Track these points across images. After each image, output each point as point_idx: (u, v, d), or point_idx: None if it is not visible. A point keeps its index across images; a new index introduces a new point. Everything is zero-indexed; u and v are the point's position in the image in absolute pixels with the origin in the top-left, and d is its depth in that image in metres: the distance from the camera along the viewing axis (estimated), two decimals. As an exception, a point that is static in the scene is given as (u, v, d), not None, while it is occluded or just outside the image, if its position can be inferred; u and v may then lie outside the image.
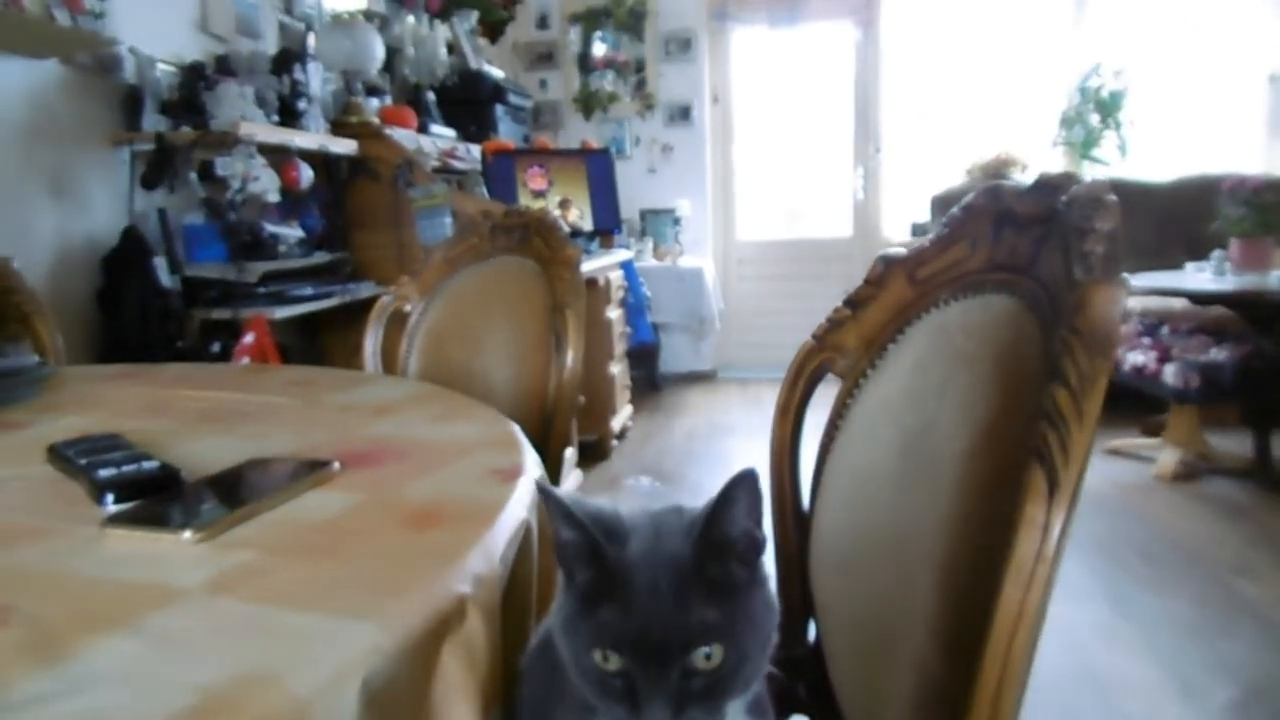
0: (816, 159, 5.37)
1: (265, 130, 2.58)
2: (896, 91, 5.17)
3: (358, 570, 0.62)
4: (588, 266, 3.36)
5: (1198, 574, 2.42)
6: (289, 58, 2.95)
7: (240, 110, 2.50)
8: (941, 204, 4.53)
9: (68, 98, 2.35)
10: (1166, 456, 3.25)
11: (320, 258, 2.96)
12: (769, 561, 0.59)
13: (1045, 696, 1.81)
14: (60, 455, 0.84)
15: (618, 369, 3.85)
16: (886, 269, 0.84)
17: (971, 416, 0.64)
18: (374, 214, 3.17)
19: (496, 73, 4.47)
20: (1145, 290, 3.35)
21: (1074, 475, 0.51)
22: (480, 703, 0.57)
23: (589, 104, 5.33)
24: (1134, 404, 3.36)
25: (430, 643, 0.54)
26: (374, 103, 3.39)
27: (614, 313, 3.84)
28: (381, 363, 1.59)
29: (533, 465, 0.85)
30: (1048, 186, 0.63)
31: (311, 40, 3.18)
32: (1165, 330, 3.48)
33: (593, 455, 3.64)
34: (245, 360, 2.31)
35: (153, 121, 2.47)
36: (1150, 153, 4.67)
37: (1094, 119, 4.63)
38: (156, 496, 0.75)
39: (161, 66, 2.54)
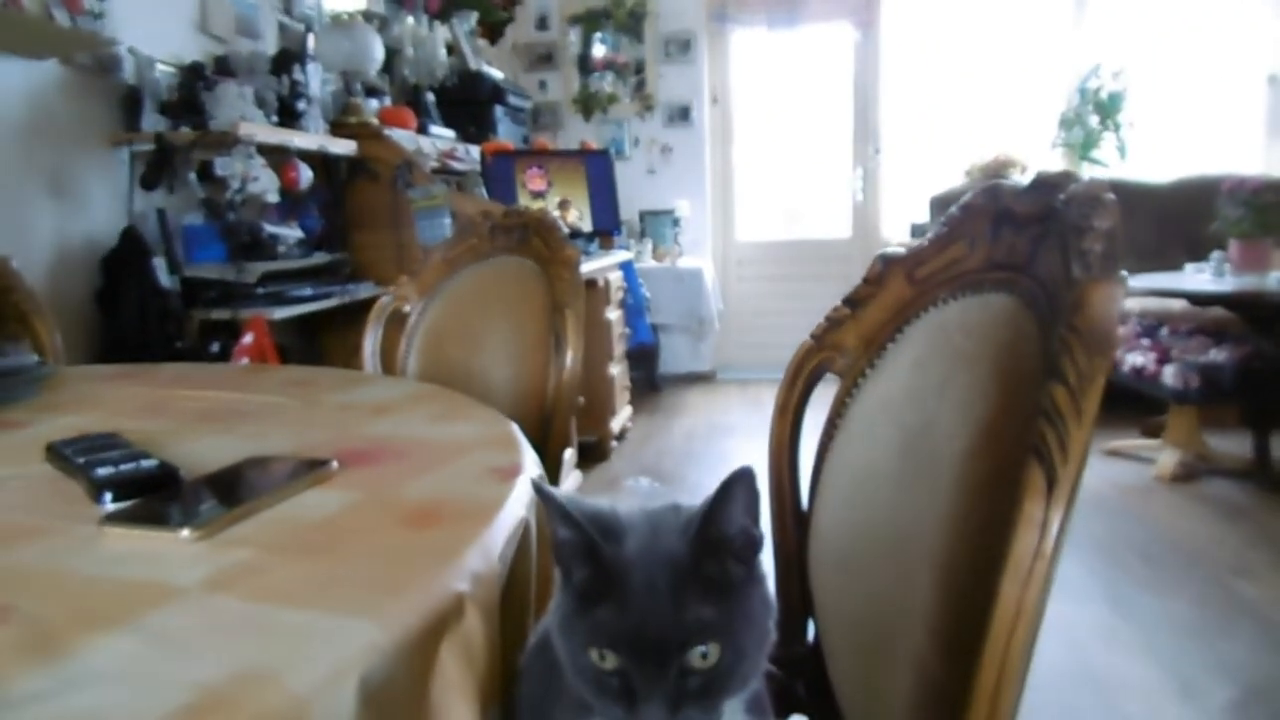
0: (816, 160, 5.38)
1: (265, 131, 2.59)
2: (895, 93, 5.17)
3: (356, 569, 0.62)
4: (587, 267, 3.36)
5: (1197, 574, 2.42)
6: (288, 58, 2.96)
7: (240, 111, 2.50)
8: (940, 205, 4.53)
9: (67, 98, 2.35)
10: (1166, 457, 3.25)
11: (319, 258, 2.96)
12: (768, 560, 0.59)
13: (1045, 696, 1.81)
14: (59, 454, 0.84)
15: (617, 370, 3.86)
16: (885, 268, 0.84)
17: (970, 415, 0.64)
18: (373, 215, 3.17)
19: (496, 74, 4.48)
20: (1145, 291, 3.35)
21: (1072, 473, 0.51)
22: (479, 701, 0.57)
23: (588, 105, 5.34)
24: (1133, 405, 3.36)
25: (428, 641, 0.54)
26: (373, 103, 3.39)
27: (613, 314, 3.84)
28: (380, 363, 1.59)
29: (531, 464, 0.85)
30: (1046, 185, 0.63)
31: (311, 41, 3.18)
32: (1165, 331, 3.48)
33: (592, 456, 3.64)
34: (244, 360, 2.31)
35: (152, 122, 2.48)
36: (1150, 153, 4.67)
37: (1093, 120, 4.63)
38: (155, 495, 0.75)
39: (161, 67, 2.54)
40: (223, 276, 2.51)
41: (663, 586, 0.51)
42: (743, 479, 0.52)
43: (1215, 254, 3.42)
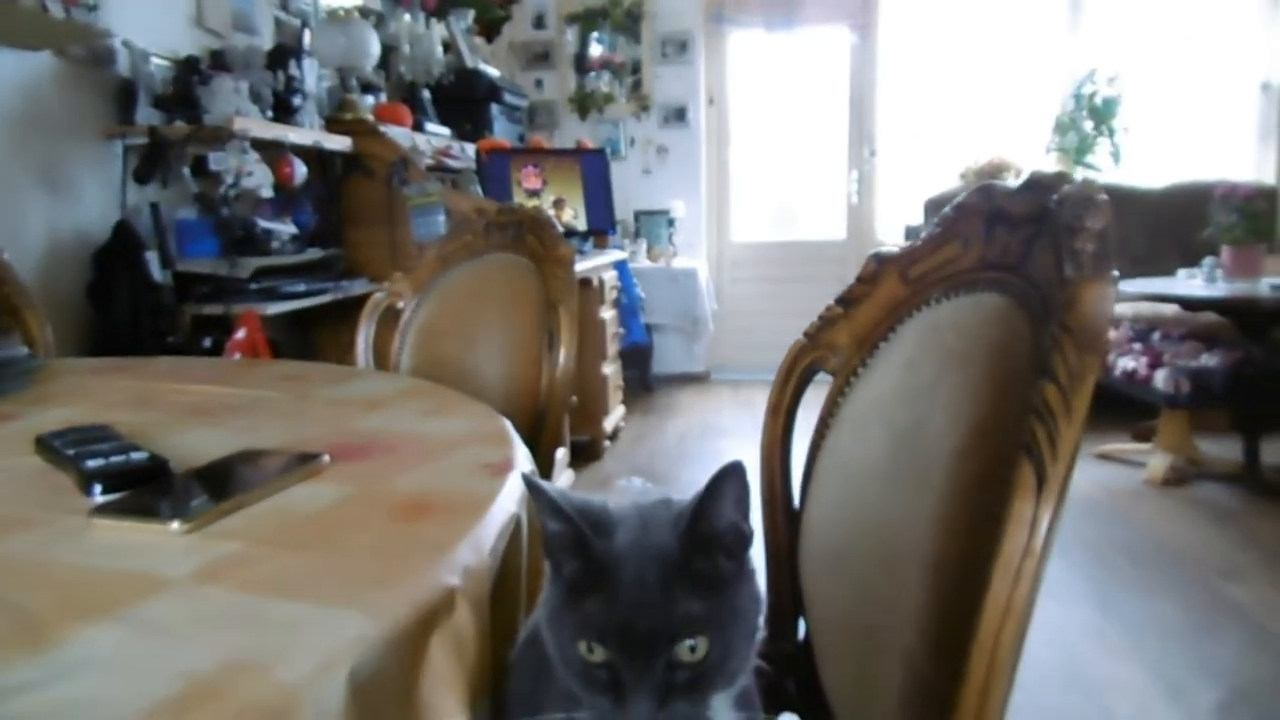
0: (811, 162, 5.38)
1: (259, 126, 2.58)
2: (891, 95, 5.18)
3: (346, 561, 0.62)
4: (581, 266, 3.36)
5: (1186, 577, 2.43)
6: (284, 53, 2.95)
7: (234, 105, 2.49)
8: (935, 208, 4.54)
9: (61, 90, 2.34)
10: (1157, 461, 3.26)
11: (313, 254, 2.95)
12: (759, 558, 0.59)
13: (1033, 697, 1.81)
14: (48, 446, 0.84)
15: (611, 369, 3.85)
16: (879, 267, 0.84)
17: (962, 415, 0.64)
18: (368, 211, 3.16)
19: (492, 72, 4.47)
20: (1137, 296, 3.36)
21: (1062, 471, 0.51)
22: (468, 694, 0.57)
23: (584, 104, 5.33)
24: (1125, 409, 3.37)
25: (418, 633, 0.54)
26: (369, 100, 3.39)
27: (607, 313, 3.84)
28: (374, 359, 1.59)
29: (523, 460, 0.85)
30: (1039, 186, 0.63)
31: (307, 36, 3.17)
32: (1156, 336, 3.50)
33: (585, 456, 3.64)
34: (236, 356, 2.31)
35: (146, 115, 2.47)
36: (1143, 159, 4.69)
37: (1088, 125, 4.65)
38: (145, 487, 0.74)
39: (155, 60, 2.53)
40: (216, 271, 2.50)
41: (652, 580, 0.51)
42: (733, 474, 0.52)
43: (1207, 259, 3.44)
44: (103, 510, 0.69)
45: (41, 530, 0.67)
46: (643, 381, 4.96)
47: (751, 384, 5.06)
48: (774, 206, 5.52)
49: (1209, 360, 3.14)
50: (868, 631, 0.71)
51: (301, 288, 2.69)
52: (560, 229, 1.54)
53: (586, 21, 5.27)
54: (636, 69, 5.29)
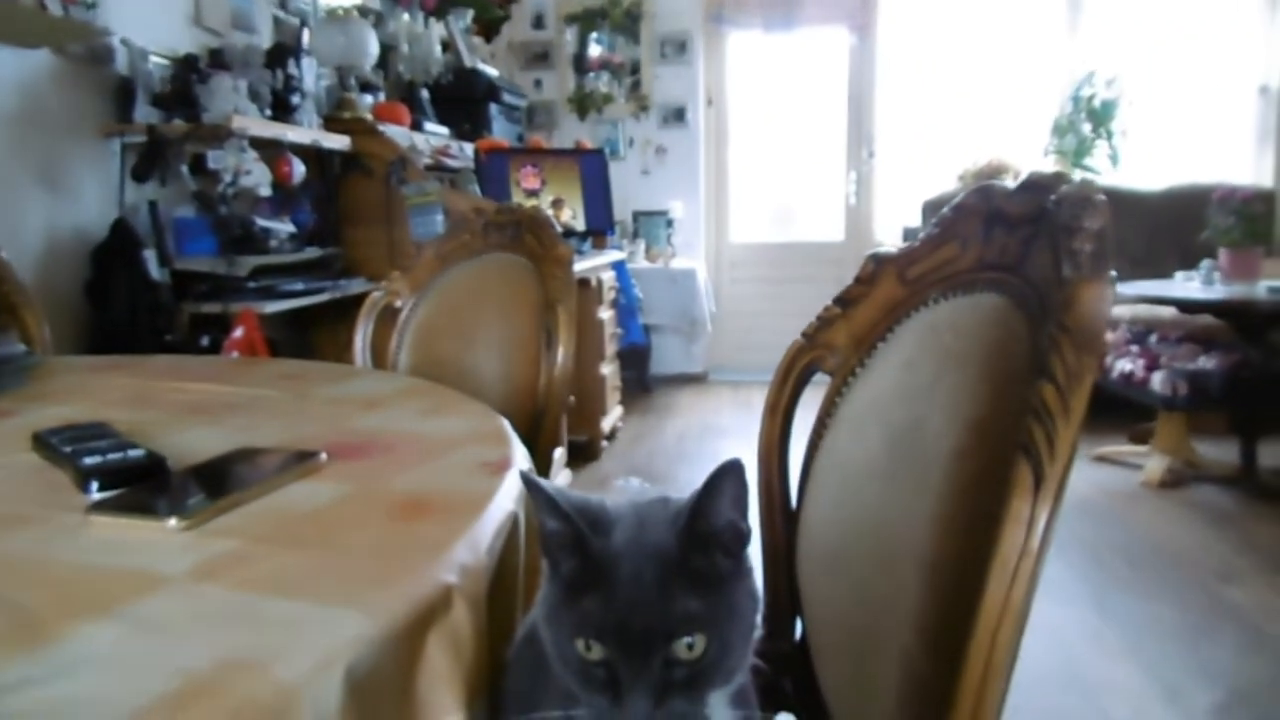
0: (809, 163, 5.39)
1: (258, 124, 2.58)
2: (890, 97, 5.19)
3: (344, 560, 0.62)
4: (580, 266, 3.36)
5: (1183, 579, 2.43)
6: (283, 52, 2.95)
7: (233, 104, 2.49)
8: (933, 209, 4.54)
9: (59, 88, 2.34)
10: (1154, 463, 3.26)
11: (311, 253, 2.95)
12: (756, 558, 0.59)
13: (1031, 698, 1.81)
14: (45, 443, 0.83)
15: (609, 370, 3.85)
16: (877, 267, 0.85)
17: (960, 415, 0.64)
18: (366, 210, 3.16)
19: (491, 71, 4.47)
20: (1135, 298, 3.36)
21: (1059, 470, 0.51)
22: (465, 692, 0.57)
23: (583, 104, 5.33)
24: (1122, 411, 3.37)
25: (415, 631, 0.54)
26: (368, 99, 3.39)
27: (605, 313, 3.83)
28: (371, 358, 1.59)
29: (521, 459, 0.85)
30: (1037, 186, 0.63)
31: (306, 35, 3.17)
32: (1154, 338, 3.50)
33: (583, 456, 3.64)
34: (234, 354, 2.31)
35: (144, 113, 2.47)
36: (1142, 162, 4.69)
37: (1086, 128, 4.65)
38: (142, 485, 0.74)
39: (154, 58, 2.53)
40: (214, 270, 2.50)
41: (650, 578, 0.51)
42: (731, 472, 0.52)
43: (1205, 262, 3.44)
44: (100, 507, 0.69)
45: (39, 527, 0.67)
46: (641, 382, 4.96)
47: (750, 384, 5.06)
48: (772, 207, 5.52)
49: (1206, 363, 3.14)
50: (865, 631, 0.71)
51: (299, 286, 2.69)
52: (559, 229, 1.54)
53: (585, 22, 5.27)
54: (635, 69, 5.29)
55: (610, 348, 3.90)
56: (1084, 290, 0.53)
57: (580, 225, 4.01)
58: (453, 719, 0.56)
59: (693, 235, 5.30)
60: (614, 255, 4.18)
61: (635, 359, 4.78)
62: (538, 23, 5.34)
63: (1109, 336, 3.52)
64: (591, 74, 5.32)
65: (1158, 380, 3.15)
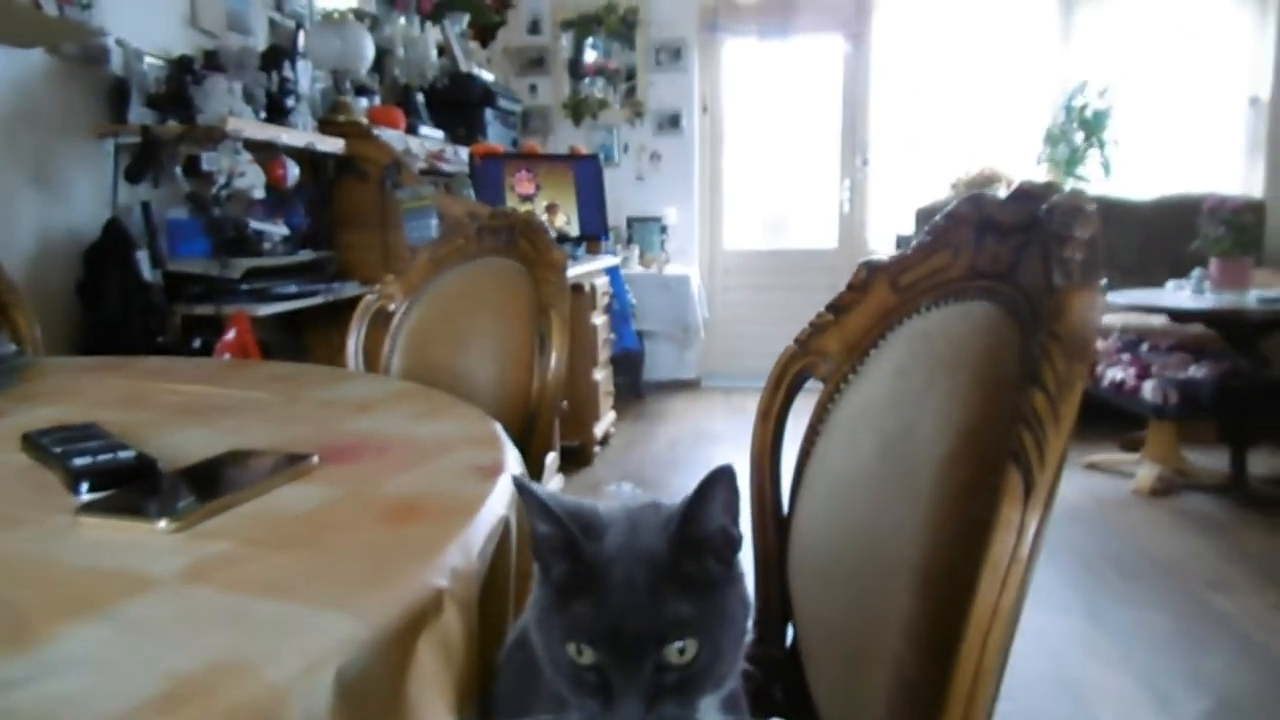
0: (803, 170, 5.40)
1: (252, 126, 2.57)
2: (884, 105, 5.21)
3: (335, 562, 0.61)
4: (574, 272, 3.36)
5: (1174, 588, 2.44)
6: (278, 55, 2.95)
7: (228, 105, 2.49)
8: (926, 217, 4.56)
9: (53, 88, 2.33)
10: (1145, 472, 3.28)
11: (305, 256, 2.95)
12: (748, 564, 0.59)
13: (1021, 706, 1.82)
14: (35, 444, 0.83)
15: (602, 375, 3.85)
16: (870, 275, 0.85)
17: (950, 422, 0.64)
18: (360, 213, 3.16)
19: (486, 76, 4.47)
20: (1126, 307, 3.38)
21: (1049, 477, 0.51)
22: (455, 696, 0.57)
23: (579, 110, 5.34)
24: (1113, 419, 3.39)
25: (406, 635, 0.54)
26: (363, 102, 3.39)
27: (599, 319, 3.84)
28: (364, 362, 1.58)
29: (514, 463, 0.85)
30: (1029, 195, 0.64)
31: (301, 38, 3.17)
32: (1145, 347, 3.52)
33: (575, 461, 3.64)
34: (226, 356, 2.30)
35: (139, 114, 2.46)
36: (1133, 171, 4.72)
37: (1078, 137, 4.68)
38: (132, 486, 0.74)
39: (149, 59, 2.53)
40: (206, 272, 2.49)
41: (641, 582, 0.51)
42: (722, 477, 0.53)
43: (1196, 271, 3.46)
44: (90, 509, 0.69)
45: (28, 528, 0.67)
46: (634, 388, 4.96)
47: (743, 391, 5.07)
48: (766, 214, 5.54)
49: (1197, 371, 3.16)
50: (856, 636, 0.71)
51: (293, 289, 2.69)
52: (553, 234, 1.54)
53: (581, 27, 5.28)
54: (631, 75, 5.30)
55: (603, 353, 3.90)
56: (1075, 298, 0.54)
57: (574, 231, 4.02)
58: (443, 723, 0.56)
59: (687, 241, 5.31)
60: (608, 261, 4.18)
61: (628, 365, 4.78)
62: (533, 28, 5.35)
63: (1100, 345, 3.53)
64: (587, 80, 5.32)
65: (1148, 389, 3.16)
